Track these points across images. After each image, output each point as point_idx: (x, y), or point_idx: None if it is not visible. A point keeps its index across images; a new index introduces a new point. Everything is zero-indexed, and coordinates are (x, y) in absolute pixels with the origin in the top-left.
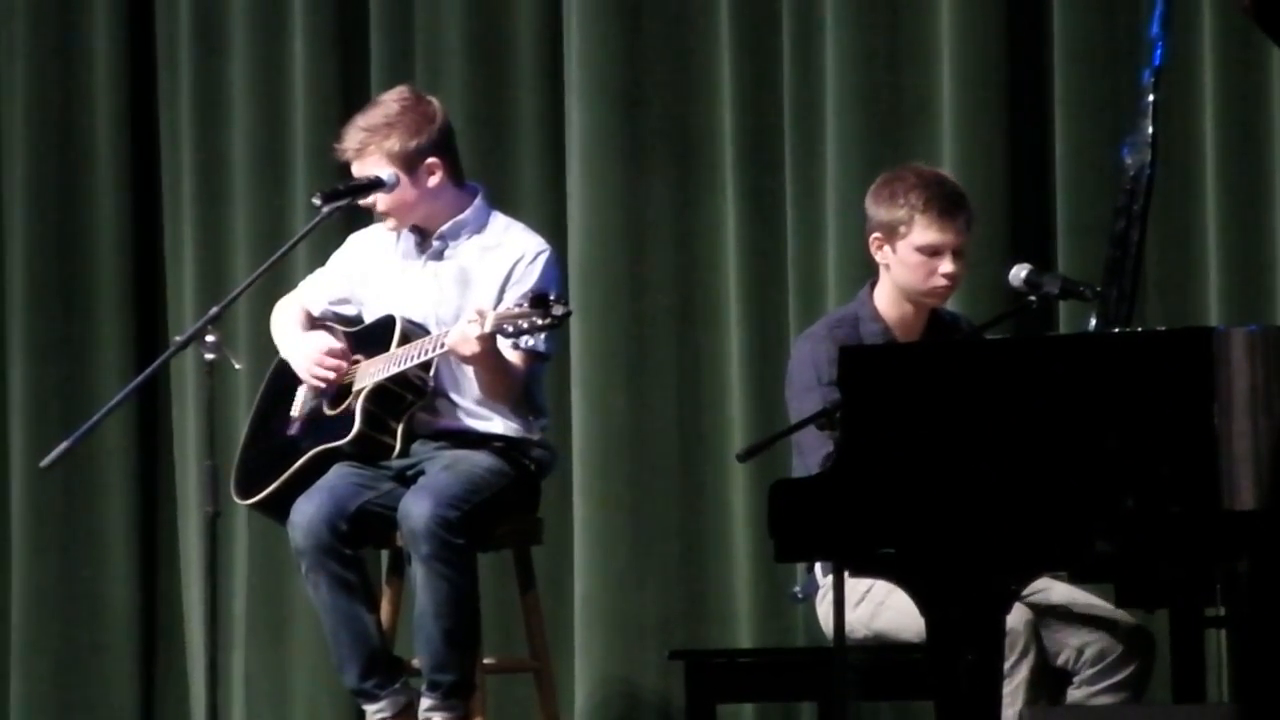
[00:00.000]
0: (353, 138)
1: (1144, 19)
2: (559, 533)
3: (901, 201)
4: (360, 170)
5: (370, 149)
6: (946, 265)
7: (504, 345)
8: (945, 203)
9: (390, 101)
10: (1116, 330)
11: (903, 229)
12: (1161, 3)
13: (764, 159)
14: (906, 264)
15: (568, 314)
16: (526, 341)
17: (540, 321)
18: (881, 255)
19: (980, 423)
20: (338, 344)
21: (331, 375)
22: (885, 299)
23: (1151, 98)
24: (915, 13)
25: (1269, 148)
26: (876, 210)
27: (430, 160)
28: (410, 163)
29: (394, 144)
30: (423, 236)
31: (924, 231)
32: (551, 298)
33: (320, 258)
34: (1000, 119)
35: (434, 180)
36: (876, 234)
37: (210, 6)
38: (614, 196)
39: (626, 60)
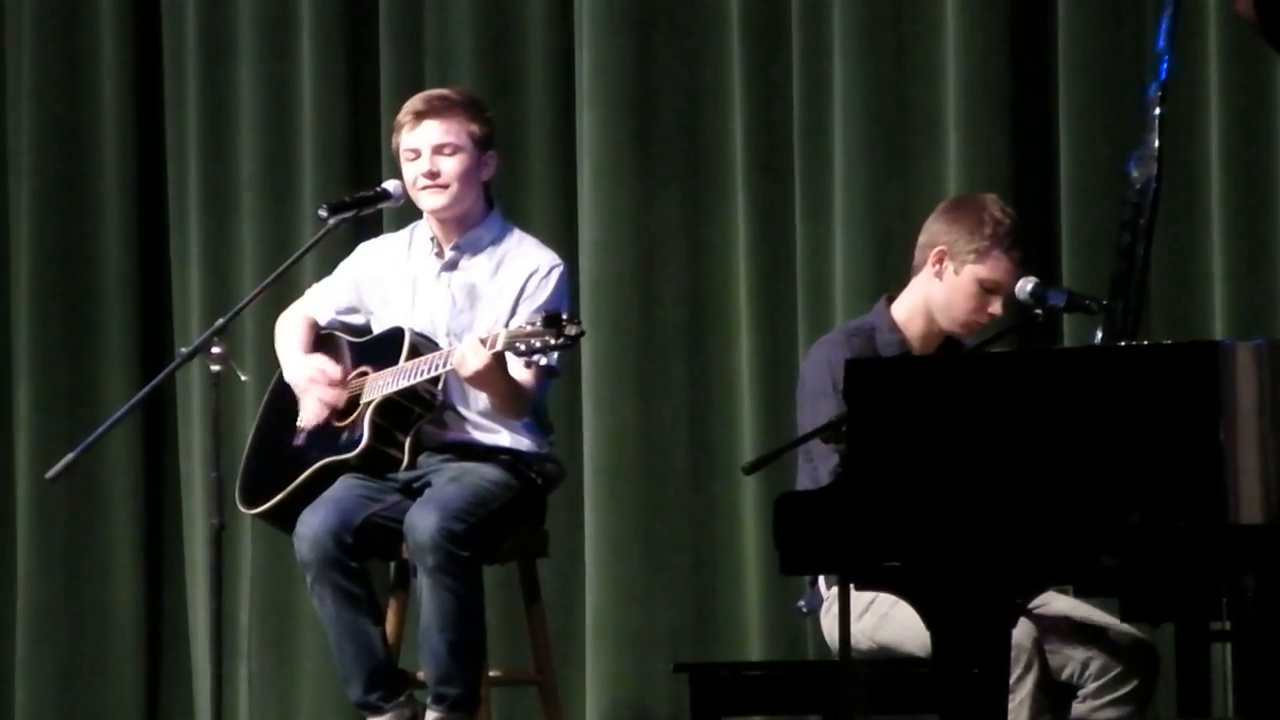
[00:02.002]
0: (435, 101)
1: (1148, 33)
2: (570, 545)
3: (989, 231)
4: (425, 134)
5: (456, 113)
6: (997, 306)
7: (515, 362)
8: (1022, 250)
9: (466, 91)
10: (1123, 344)
11: (974, 256)
12: (1168, 17)
13: (774, 171)
14: (962, 290)
15: (581, 334)
16: (540, 359)
17: (553, 341)
18: (935, 269)
19: (985, 436)
20: (335, 371)
21: (329, 410)
22: (908, 313)
23: (1158, 111)
24: (921, 27)
25: (1273, 161)
26: (951, 229)
27: (490, 153)
28: (481, 144)
29: (475, 123)
30: (439, 247)
31: (995, 267)
32: (564, 317)
33: (327, 269)
34: (1005, 132)
35: (487, 174)
36: (940, 248)
37: (217, 15)
38: (624, 208)
39: (637, 72)
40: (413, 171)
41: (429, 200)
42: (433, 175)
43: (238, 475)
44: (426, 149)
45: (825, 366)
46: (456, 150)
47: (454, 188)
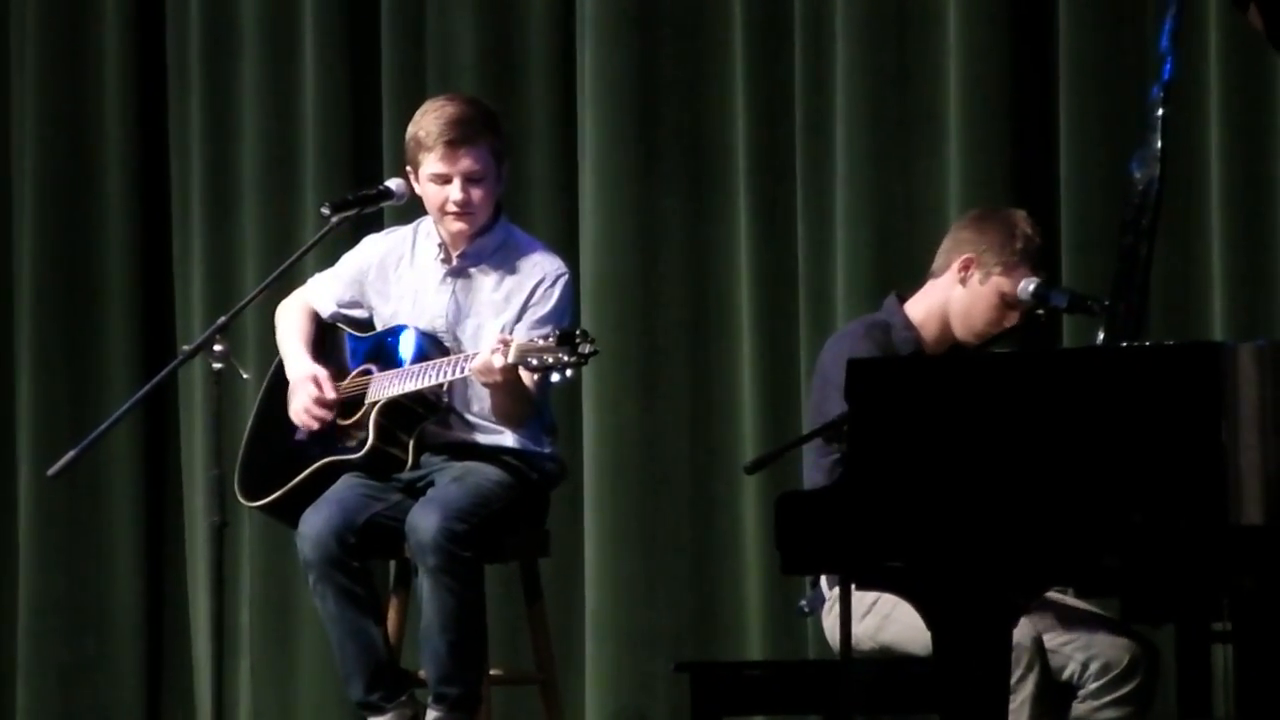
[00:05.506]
0: (463, 128)
1: (1149, 34)
2: (570, 545)
3: (1019, 245)
4: (459, 164)
5: (486, 137)
6: (1013, 319)
7: (524, 374)
8: (1047, 272)
9: (482, 105)
10: (1125, 345)
11: (1000, 269)
12: (1170, 18)
13: (775, 172)
14: (985, 300)
15: (594, 353)
16: (553, 375)
17: (566, 359)
18: (961, 276)
19: (987, 436)
20: (330, 396)
21: (315, 425)
22: (924, 315)
23: (1161, 112)
24: (923, 28)
25: (1273, 162)
26: (981, 238)
27: (504, 163)
28: (499, 158)
29: (496, 138)
30: (445, 253)
31: (1021, 283)
32: (578, 335)
33: (328, 268)
34: (1005, 133)
35: (502, 184)
36: (968, 255)
37: (220, 14)
38: (626, 209)
39: (639, 73)
40: (439, 195)
41: (457, 225)
42: (465, 204)
43: (236, 464)
44: (459, 178)
45: (845, 360)
46: (485, 175)
47: (480, 212)
